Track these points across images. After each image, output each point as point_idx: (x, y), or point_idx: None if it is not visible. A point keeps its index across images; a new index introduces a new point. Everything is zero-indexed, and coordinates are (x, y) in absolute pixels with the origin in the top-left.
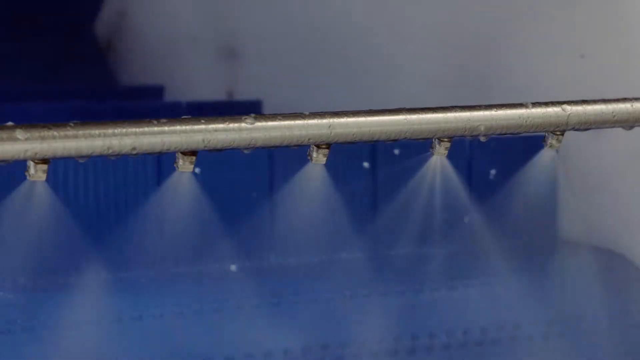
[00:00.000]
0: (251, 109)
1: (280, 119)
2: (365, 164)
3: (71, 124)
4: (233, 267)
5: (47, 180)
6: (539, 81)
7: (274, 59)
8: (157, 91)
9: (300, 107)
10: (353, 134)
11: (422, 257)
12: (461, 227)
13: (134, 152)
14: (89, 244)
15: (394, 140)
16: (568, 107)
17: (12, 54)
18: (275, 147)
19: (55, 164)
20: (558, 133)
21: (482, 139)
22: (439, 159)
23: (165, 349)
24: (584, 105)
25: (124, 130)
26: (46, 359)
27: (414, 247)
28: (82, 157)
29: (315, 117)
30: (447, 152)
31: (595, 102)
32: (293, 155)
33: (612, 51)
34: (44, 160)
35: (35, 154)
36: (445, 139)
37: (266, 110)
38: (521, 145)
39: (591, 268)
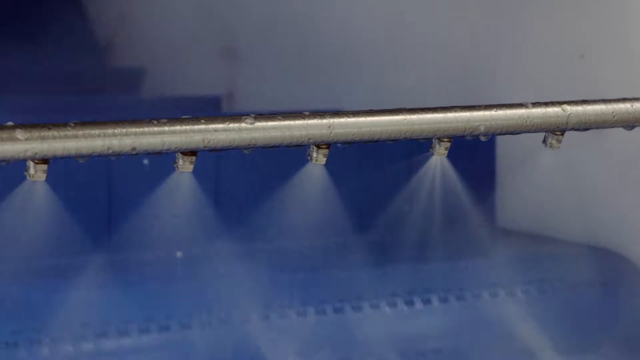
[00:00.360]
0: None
1: (280, 119)
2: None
3: (71, 124)
4: (179, 254)
5: (46, 180)
6: (539, 81)
7: (274, 59)
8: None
9: (300, 107)
10: (353, 134)
11: (422, 255)
12: (461, 227)
13: (134, 152)
14: (88, 244)
15: (394, 140)
16: (568, 107)
17: (13, 56)
18: (276, 147)
19: (55, 164)
20: (558, 133)
21: (483, 138)
22: (439, 159)
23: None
24: (584, 105)
25: (124, 130)
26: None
27: (413, 246)
28: (82, 157)
29: (315, 117)
30: (447, 152)
31: (595, 102)
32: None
33: (612, 51)
34: (44, 160)
35: (35, 154)
36: (445, 139)
37: (266, 110)
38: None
39: (591, 268)
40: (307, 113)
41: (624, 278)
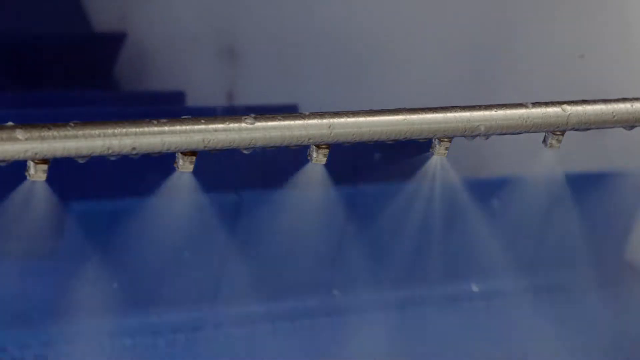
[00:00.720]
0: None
1: (280, 119)
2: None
3: (71, 124)
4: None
5: (47, 180)
6: (539, 81)
7: (274, 59)
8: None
9: (301, 107)
10: (353, 134)
11: (421, 254)
12: (461, 227)
13: (134, 152)
14: (88, 244)
15: (394, 140)
16: (568, 107)
17: (14, 58)
18: (276, 147)
19: (55, 164)
20: (558, 133)
21: (483, 139)
22: (439, 159)
23: None
24: (584, 105)
25: (124, 130)
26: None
27: (412, 245)
28: (82, 157)
29: (315, 117)
30: (447, 152)
31: (595, 102)
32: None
33: (612, 51)
34: (44, 160)
35: (35, 154)
36: (445, 139)
37: (266, 111)
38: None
39: (590, 267)
40: (307, 113)
41: (624, 278)
